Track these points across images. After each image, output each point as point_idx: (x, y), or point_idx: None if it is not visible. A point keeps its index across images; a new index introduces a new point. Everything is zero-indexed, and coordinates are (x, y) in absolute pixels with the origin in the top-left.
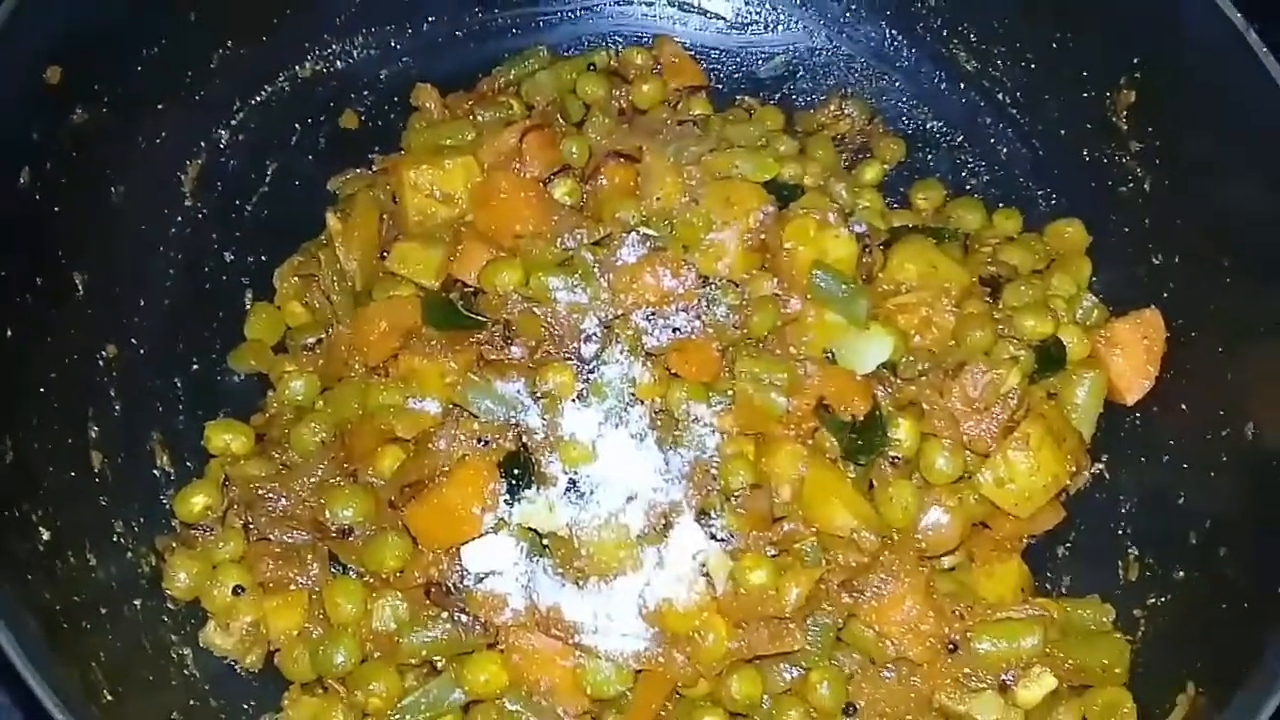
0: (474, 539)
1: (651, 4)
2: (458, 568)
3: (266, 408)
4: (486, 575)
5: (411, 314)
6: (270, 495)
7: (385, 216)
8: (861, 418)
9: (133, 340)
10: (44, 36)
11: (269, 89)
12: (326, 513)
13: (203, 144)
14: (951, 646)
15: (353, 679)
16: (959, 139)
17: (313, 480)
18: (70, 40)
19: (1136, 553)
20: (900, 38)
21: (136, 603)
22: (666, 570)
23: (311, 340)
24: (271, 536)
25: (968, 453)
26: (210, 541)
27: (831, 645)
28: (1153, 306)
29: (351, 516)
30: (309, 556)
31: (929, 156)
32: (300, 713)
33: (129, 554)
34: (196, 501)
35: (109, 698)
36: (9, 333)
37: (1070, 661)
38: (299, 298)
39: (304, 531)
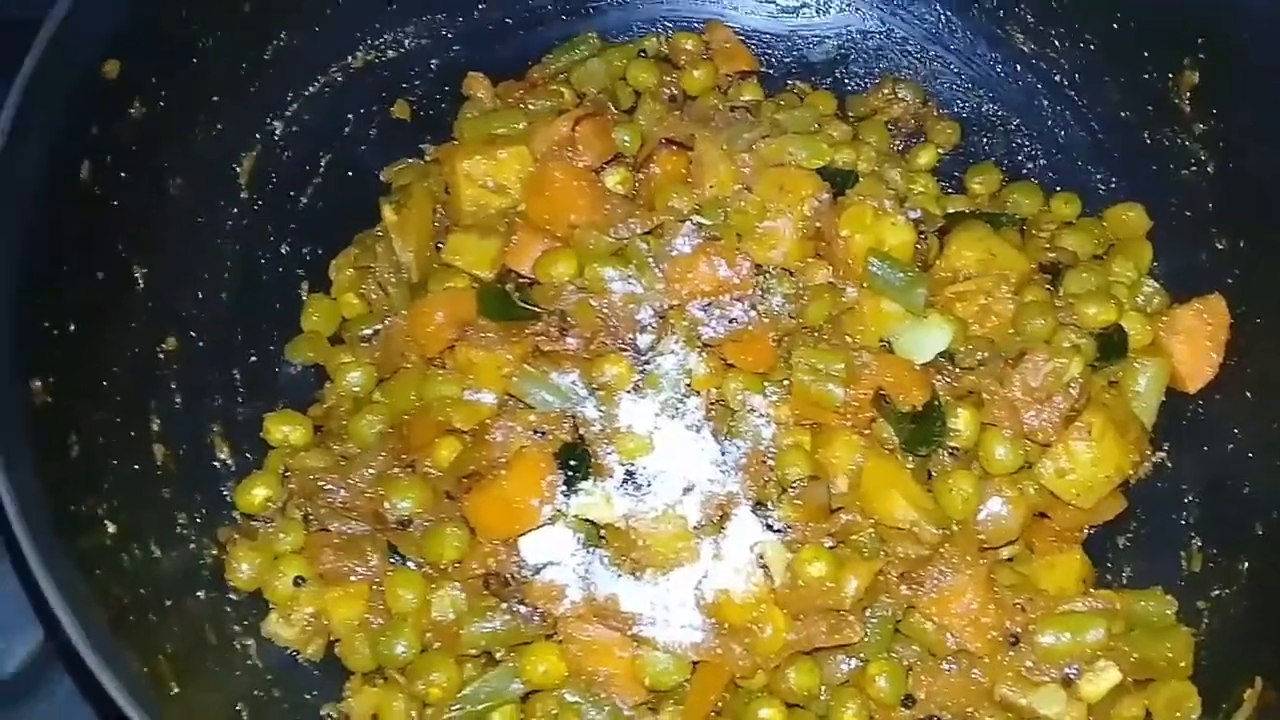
0: (531, 530)
1: None
2: (515, 559)
3: (324, 399)
4: (544, 566)
5: (467, 305)
6: (329, 486)
7: (439, 207)
8: (920, 408)
9: (191, 333)
10: (101, 31)
11: (322, 80)
12: (385, 504)
13: (257, 136)
14: (1013, 639)
15: (413, 669)
16: (1015, 122)
17: (371, 471)
18: (127, 35)
19: (1200, 543)
20: (954, 19)
21: (200, 594)
22: (724, 562)
23: (368, 331)
24: (331, 527)
25: (1027, 443)
26: (270, 533)
27: (890, 637)
28: (1216, 293)
29: (410, 508)
30: (368, 548)
31: (984, 140)
32: (362, 703)
33: (192, 545)
34: (257, 493)
35: (176, 689)
36: (72, 327)
37: (1134, 655)
38: (355, 289)
39: (363, 523)
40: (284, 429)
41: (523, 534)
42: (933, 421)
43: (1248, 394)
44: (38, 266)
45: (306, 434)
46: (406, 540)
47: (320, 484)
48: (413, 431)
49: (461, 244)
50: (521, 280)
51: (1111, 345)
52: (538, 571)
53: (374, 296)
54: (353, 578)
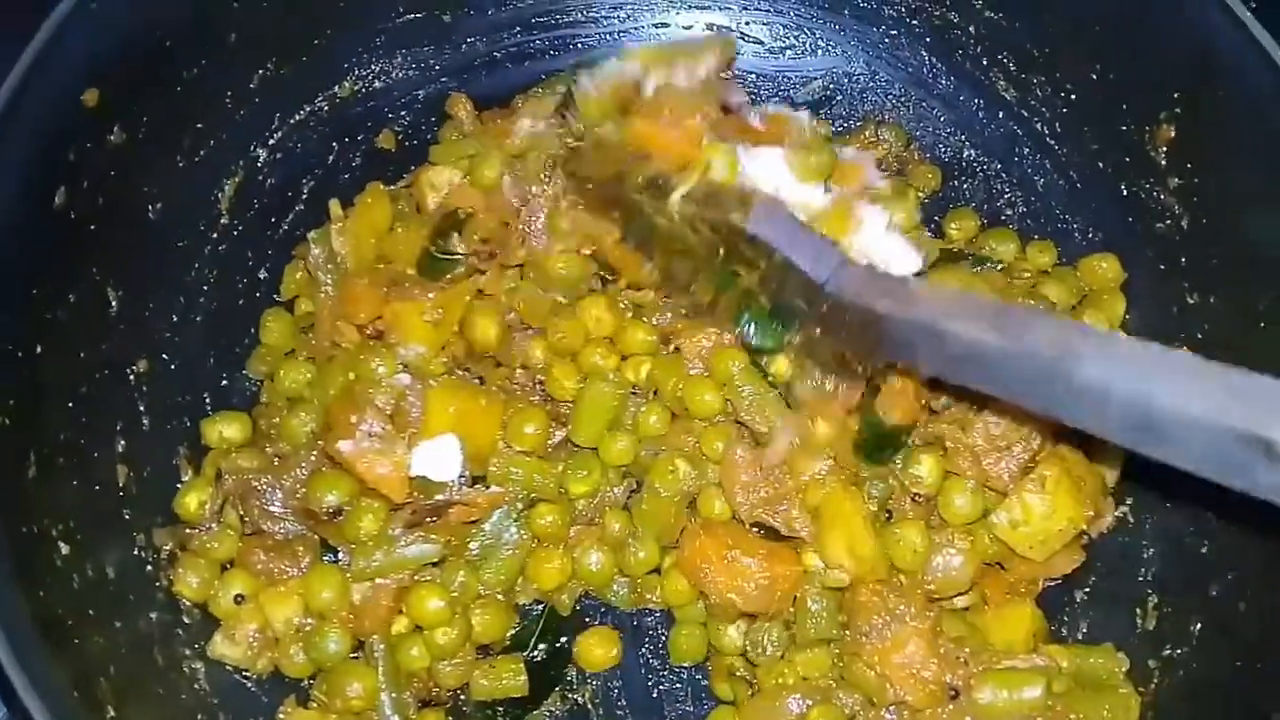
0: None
1: (690, 26)
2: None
3: (263, 400)
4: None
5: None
6: (262, 487)
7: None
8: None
9: (164, 355)
10: (82, 59)
11: (308, 108)
12: (312, 499)
13: (241, 163)
14: (953, 694)
15: (330, 684)
16: (996, 168)
17: (304, 470)
18: (109, 63)
19: (1156, 601)
20: (939, 64)
21: (153, 615)
22: None
23: (308, 326)
24: (265, 528)
25: (989, 491)
26: (206, 538)
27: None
28: (1185, 348)
29: (338, 499)
30: (300, 548)
31: (965, 185)
32: None
33: (149, 568)
34: (191, 498)
35: (112, 713)
36: (39, 349)
37: (1073, 715)
38: (305, 292)
39: (297, 523)
40: (219, 428)
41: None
42: (897, 441)
43: None
44: (3, 289)
45: (244, 429)
46: (337, 531)
47: (254, 484)
48: (333, 417)
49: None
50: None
51: None
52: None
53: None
54: (286, 579)
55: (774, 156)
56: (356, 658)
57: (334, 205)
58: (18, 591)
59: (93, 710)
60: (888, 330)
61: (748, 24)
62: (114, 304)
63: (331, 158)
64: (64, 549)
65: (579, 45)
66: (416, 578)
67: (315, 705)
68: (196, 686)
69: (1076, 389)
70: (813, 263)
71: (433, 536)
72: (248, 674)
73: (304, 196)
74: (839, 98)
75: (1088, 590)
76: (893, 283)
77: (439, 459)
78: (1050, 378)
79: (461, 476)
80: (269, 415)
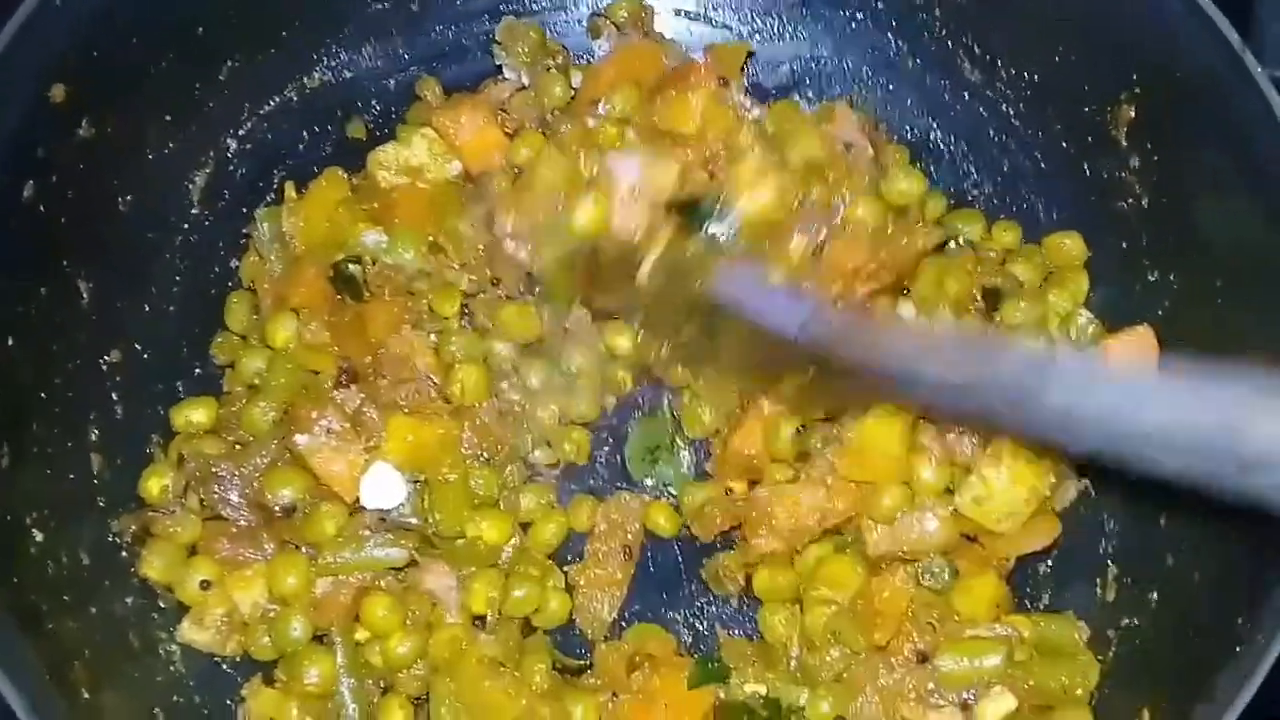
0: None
1: (659, 12)
2: None
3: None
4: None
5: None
6: (222, 474)
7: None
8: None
9: (136, 345)
10: (48, 56)
11: (277, 99)
12: (267, 494)
13: (211, 154)
14: (922, 658)
15: (290, 668)
16: (962, 149)
17: (264, 459)
18: (75, 58)
19: (1116, 572)
20: (905, 47)
21: (129, 600)
22: None
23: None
24: (225, 514)
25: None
26: (169, 523)
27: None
28: (1145, 324)
29: (291, 496)
30: (264, 535)
31: (932, 166)
32: (260, 704)
33: (124, 554)
34: (154, 482)
35: (86, 695)
36: (10, 341)
37: (1031, 681)
38: (258, 275)
39: (252, 514)
40: (186, 413)
41: None
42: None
43: None
44: None
45: (210, 414)
46: (293, 530)
47: (214, 470)
48: (294, 410)
49: None
50: None
51: None
52: None
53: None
54: (250, 564)
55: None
56: (322, 640)
57: (289, 187)
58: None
59: (66, 694)
60: (866, 375)
61: (715, 9)
62: (85, 295)
63: (302, 147)
64: (38, 536)
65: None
66: (379, 582)
67: (279, 685)
68: (172, 669)
69: (1046, 414)
70: (782, 317)
71: (402, 542)
72: (220, 658)
73: (274, 186)
74: (807, 81)
75: (1050, 562)
76: (863, 329)
77: (381, 488)
78: (1020, 404)
79: (404, 502)
80: (230, 403)
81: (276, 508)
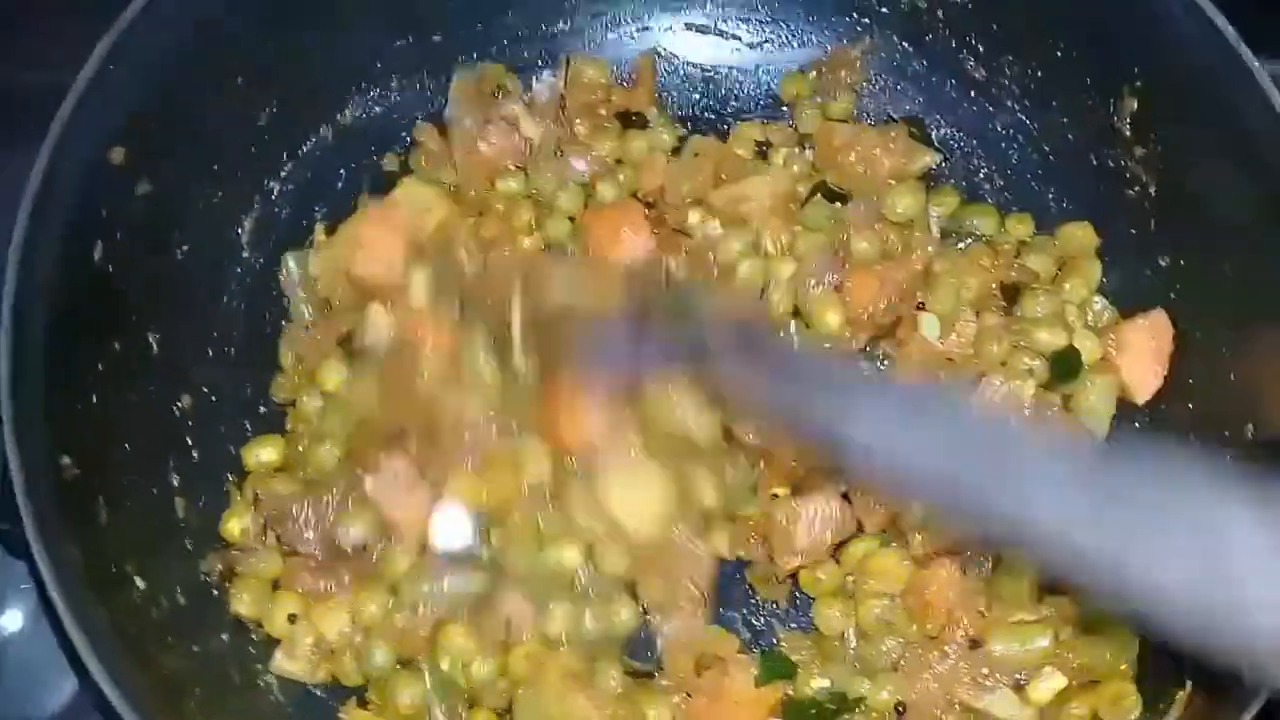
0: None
1: (670, 28)
2: None
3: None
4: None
5: None
6: (296, 513)
7: None
8: None
9: (204, 389)
10: (107, 122)
11: (314, 138)
12: (336, 531)
13: (256, 198)
14: (973, 644)
15: (384, 690)
16: (972, 145)
17: (337, 496)
18: (131, 121)
19: None
20: (910, 48)
21: (225, 637)
22: None
23: None
24: (301, 551)
25: None
26: (253, 561)
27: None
28: (1159, 308)
29: (361, 533)
30: (342, 569)
31: (943, 163)
32: None
33: (215, 592)
34: (233, 524)
35: None
36: (94, 399)
37: (1077, 661)
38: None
39: (326, 551)
40: (256, 452)
41: None
42: None
43: (1189, 404)
44: (61, 349)
45: (278, 450)
46: (367, 566)
47: (288, 510)
48: (358, 450)
49: None
50: None
51: (1065, 367)
52: None
53: None
54: (331, 596)
55: None
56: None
57: (319, 229)
58: (110, 630)
59: None
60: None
61: (725, 21)
62: (154, 346)
63: (340, 184)
64: (140, 584)
65: (567, 56)
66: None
67: (373, 708)
68: (272, 698)
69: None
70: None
71: (476, 573)
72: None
73: (318, 223)
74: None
75: None
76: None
77: (451, 528)
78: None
79: (473, 543)
80: (295, 442)
81: (348, 547)
